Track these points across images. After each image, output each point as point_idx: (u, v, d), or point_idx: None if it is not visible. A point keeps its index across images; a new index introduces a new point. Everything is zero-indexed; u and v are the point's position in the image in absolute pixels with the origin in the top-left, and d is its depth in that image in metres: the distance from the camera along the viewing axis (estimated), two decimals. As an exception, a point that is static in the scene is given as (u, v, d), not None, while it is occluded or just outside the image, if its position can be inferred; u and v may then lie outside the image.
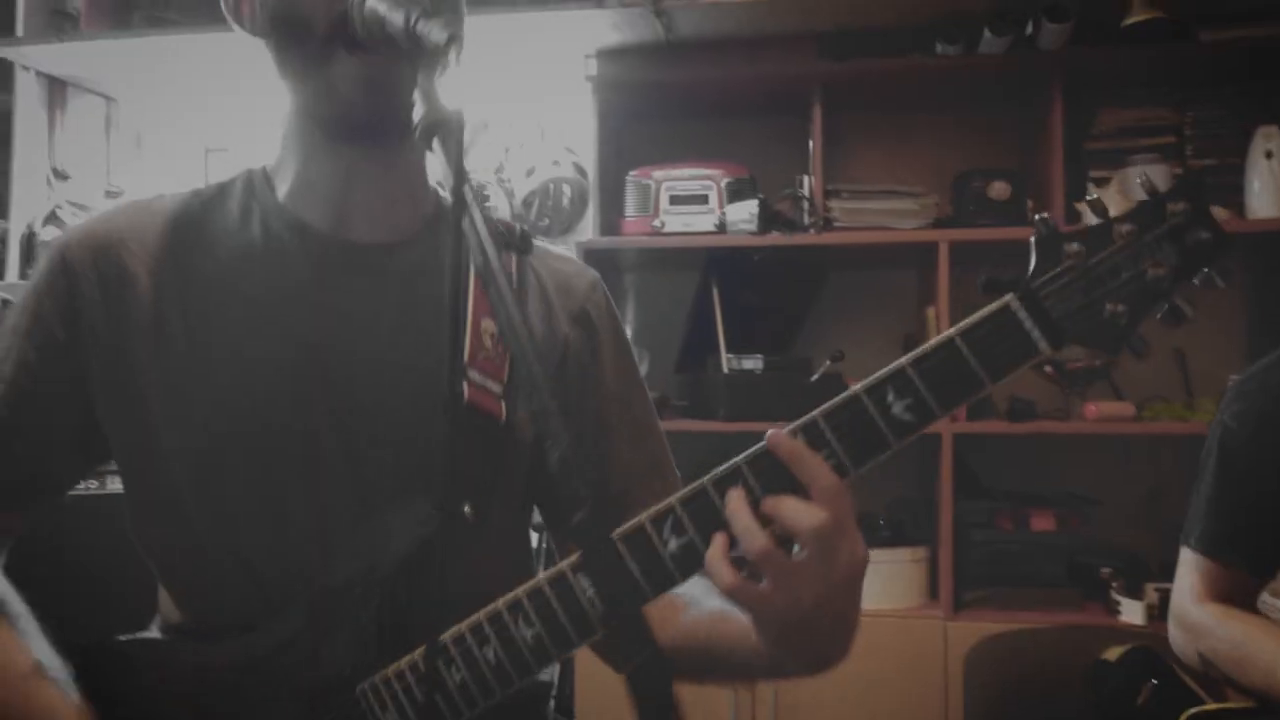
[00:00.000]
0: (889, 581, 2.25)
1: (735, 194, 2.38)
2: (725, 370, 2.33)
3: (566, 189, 2.64)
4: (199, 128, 2.87)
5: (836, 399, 0.72)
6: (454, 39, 0.64)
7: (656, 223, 2.39)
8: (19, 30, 2.47)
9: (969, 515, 2.30)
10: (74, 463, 0.89)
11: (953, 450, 2.19)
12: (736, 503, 0.69)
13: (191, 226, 0.88)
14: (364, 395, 0.84)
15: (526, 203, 2.64)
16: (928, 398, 0.71)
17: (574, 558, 0.73)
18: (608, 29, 2.31)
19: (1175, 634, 1.32)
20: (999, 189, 2.29)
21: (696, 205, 2.39)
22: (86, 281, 0.85)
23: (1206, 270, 0.71)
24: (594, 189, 2.48)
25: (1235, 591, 1.29)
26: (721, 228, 2.35)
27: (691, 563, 0.71)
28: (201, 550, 0.84)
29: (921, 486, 2.44)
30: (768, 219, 2.30)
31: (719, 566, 0.69)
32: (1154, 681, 1.41)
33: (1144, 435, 2.26)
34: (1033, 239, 0.73)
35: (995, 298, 0.72)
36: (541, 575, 0.74)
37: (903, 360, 0.72)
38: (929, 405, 0.71)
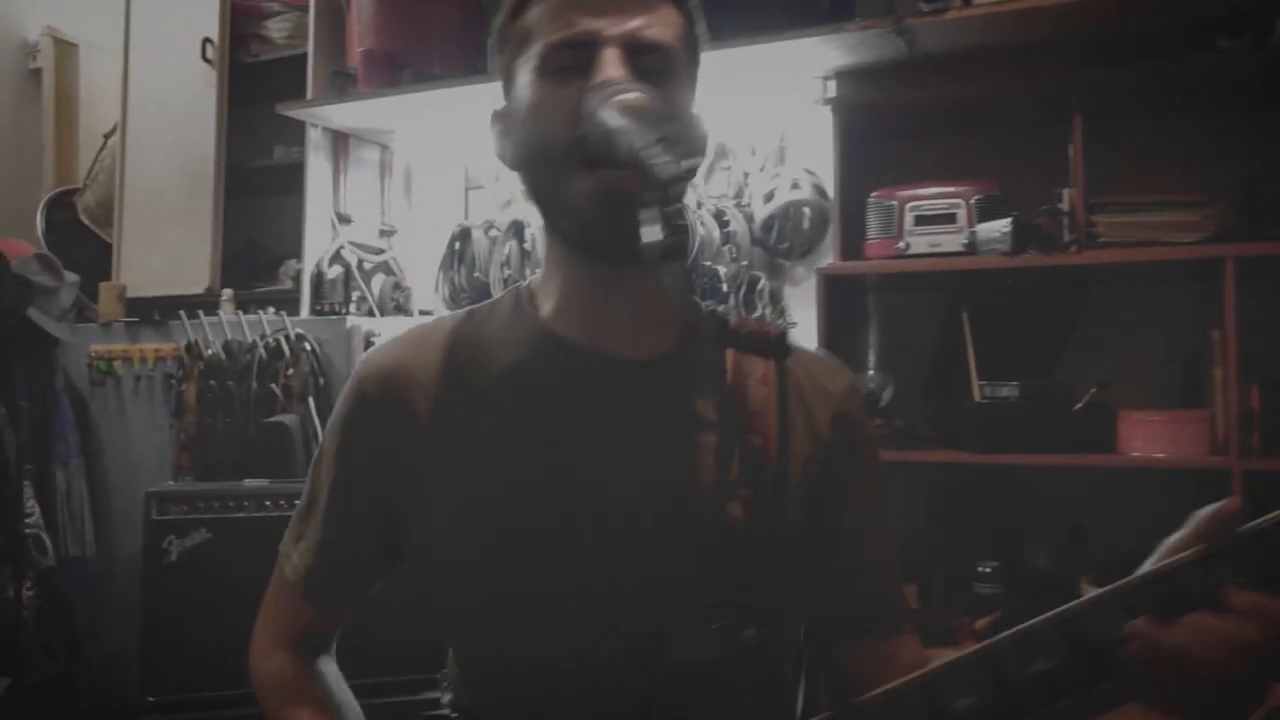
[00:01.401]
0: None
1: (985, 212, 2.25)
2: (978, 399, 2.22)
3: (806, 211, 2.61)
4: (460, 169, 3.08)
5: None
6: (688, 173, 0.64)
7: (901, 244, 2.31)
8: (309, 92, 2.75)
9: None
10: (381, 565, 1.00)
11: (1243, 491, 1.96)
12: None
13: (464, 348, 0.94)
14: (624, 508, 0.87)
15: (766, 226, 2.63)
16: None
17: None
18: (846, 51, 2.26)
19: None
20: (1297, 194, 2.04)
21: (943, 225, 2.28)
22: (379, 411, 0.94)
23: None
24: (835, 211, 2.43)
25: None
26: (971, 248, 2.23)
27: None
28: (486, 655, 0.91)
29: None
30: (1022, 237, 2.16)
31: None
32: None
33: None
34: None
35: None
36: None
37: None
38: None
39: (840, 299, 2.36)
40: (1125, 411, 2.14)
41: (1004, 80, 2.20)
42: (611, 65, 0.81)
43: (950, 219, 2.28)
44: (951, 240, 2.26)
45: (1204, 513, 0.69)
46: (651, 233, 0.65)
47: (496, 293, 2.94)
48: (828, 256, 2.60)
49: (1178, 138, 2.26)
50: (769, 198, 2.62)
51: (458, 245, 3.02)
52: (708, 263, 2.67)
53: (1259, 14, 1.92)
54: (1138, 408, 2.14)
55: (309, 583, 0.99)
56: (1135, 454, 2.11)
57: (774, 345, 0.92)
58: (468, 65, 2.61)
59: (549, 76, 0.85)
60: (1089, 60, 2.13)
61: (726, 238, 2.69)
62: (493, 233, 2.98)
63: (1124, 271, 2.20)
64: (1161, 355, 2.29)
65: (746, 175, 2.72)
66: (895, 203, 2.33)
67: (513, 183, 3.02)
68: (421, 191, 3.16)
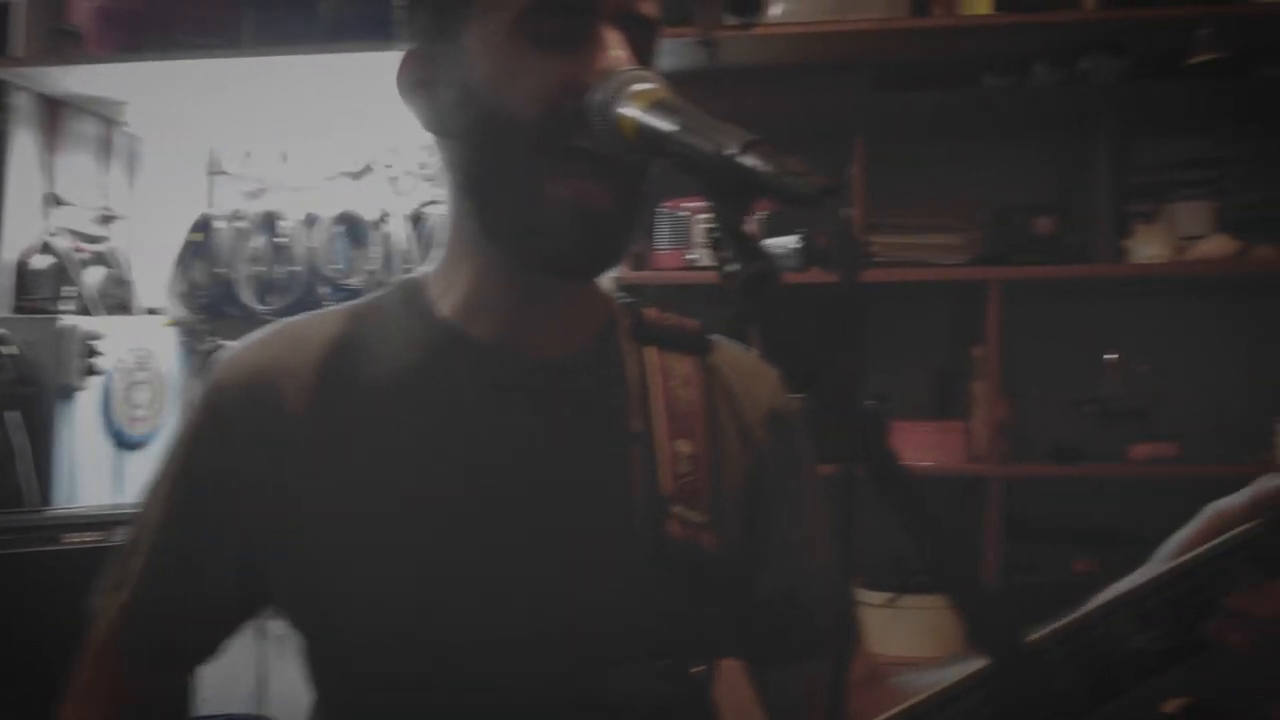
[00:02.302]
0: (927, 629, 2.19)
1: (773, 227, 2.30)
2: (766, 410, 2.26)
3: (592, 218, 2.56)
4: (201, 151, 2.74)
5: None
6: (833, 190, 0.54)
7: (691, 256, 2.32)
8: (16, 49, 2.33)
9: (1011, 557, 2.25)
10: (238, 615, 0.82)
11: (1006, 495, 2.14)
12: None
13: (348, 351, 0.79)
14: (554, 541, 0.75)
15: (550, 232, 2.55)
16: None
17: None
18: (645, 57, 2.23)
19: None
20: (1044, 224, 2.25)
21: (733, 238, 2.31)
22: (241, 427, 0.77)
23: None
24: (624, 220, 2.40)
25: None
26: (760, 262, 2.28)
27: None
28: (389, 700, 0.74)
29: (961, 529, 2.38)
30: (810, 254, 2.23)
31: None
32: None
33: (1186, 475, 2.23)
34: None
35: None
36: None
37: None
38: None
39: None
40: (895, 422, 2.27)
41: (797, 100, 2.26)
42: (615, 45, 0.70)
43: (740, 233, 2.31)
44: (741, 254, 2.30)
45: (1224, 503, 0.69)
46: (738, 259, 0.55)
47: (243, 293, 2.70)
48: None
49: (944, 166, 2.43)
50: (554, 202, 2.54)
51: (198, 237, 2.69)
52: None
53: (1022, 57, 2.09)
54: (906, 419, 2.27)
55: (136, 643, 0.80)
56: (904, 462, 2.23)
57: (695, 340, 0.84)
58: (223, 36, 2.32)
59: (528, 41, 0.71)
60: (874, 87, 2.24)
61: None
62: (240, 224, 2.68)
63: (895, 290, 2.33)
64: (917, 366, 2.45)
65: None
66: (685, 214, 2.33)
67: (267, 170, 2.74)
68: (153, 174, 2.77)
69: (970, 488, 2.20)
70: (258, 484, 0.76)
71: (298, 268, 2.61)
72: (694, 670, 0.73)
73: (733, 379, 0.85)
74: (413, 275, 0.84)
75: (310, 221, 2.64)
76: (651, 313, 0.85)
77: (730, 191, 0.58)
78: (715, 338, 0.86)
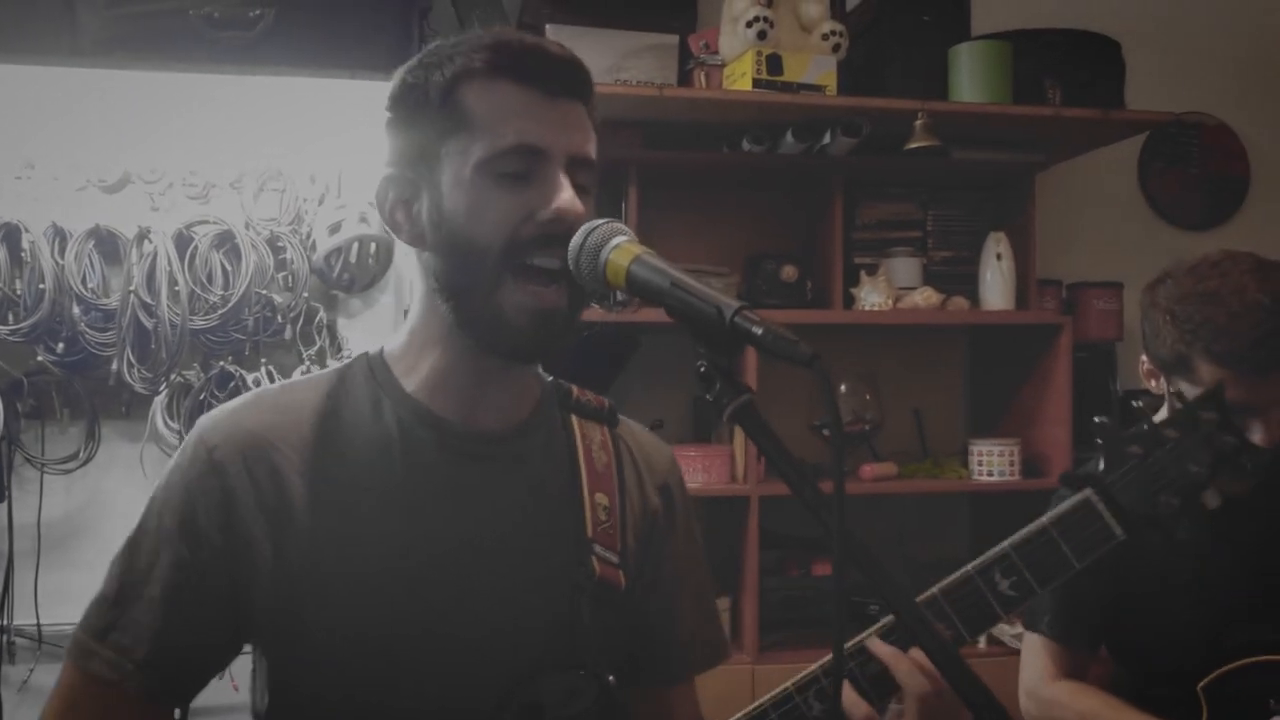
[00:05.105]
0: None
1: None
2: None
3: (373, 246, 2.59)
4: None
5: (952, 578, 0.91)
6: (816, 358, 0.66)
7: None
8: None
9: (764, 563, 2.53)
10: (225, 655, 0.91)
11: (759, 510, 2.41)
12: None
13: (329, 421, 0.90)
14: (502, 578, 0.90)
15: (329, 260, 2.55)
16: (1029, 578, 0.89)
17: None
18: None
19: (1030, 707, 1.54)
20: (789, 272, 2.57)
21: (517, 273, 2.44)
22: (239, 482, 0.85)
23: (1232, 467, 0.89)
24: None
25: (1075, 669, 1.52)
26: (543, 297, 2.42)
27: None
28: (348, 700, 0.86)
29: (719, 541, 2.64)
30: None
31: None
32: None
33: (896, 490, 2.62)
34: (1100, 439, 0.91)
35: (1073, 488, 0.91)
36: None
37: (1004, 545, 0.91)
38: (1030, 584, 0.90)
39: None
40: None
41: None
42: (566, 188, 0.85)
43: (523, 268, 2.44)
44: (525, 288, 2.43)
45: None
46: (724, 394, 0.71)
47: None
48: (390, 291, 2.63)
49: (706, 215, 2.70)
50: (335, 229, 2.54)
51: (-85, 246, 2.42)
52: (261, 291, 2.51)
53: (775, 128, 2.40)
54: (676, 444, 2.50)
55: (146, 678, 0.85)
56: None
57: (606, 414, 1.02)
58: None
59: (494, 179, 0.85)
60: (648, 144, 2.46)
61: (281, 265, 2.55)
62: (-31, 235, 2.45)
63: (661, 326, 2.55)
64: (678, 395, 2.70)
65: (305, 201, 2.59)
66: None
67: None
68: None
69: (732, 505, 2.46)
70: (259, 542, 0.85)
71: (44, 285, 2.42)
72: (609, 679, 0.90)
73: (634, 449, 1.04)
74: (372, 351, 0.96)
75: (58, 235, 2.47)
76: (574, 389, 1.02)
77: (720, 341, 0.71)
78: (620, 416, 1.04)
